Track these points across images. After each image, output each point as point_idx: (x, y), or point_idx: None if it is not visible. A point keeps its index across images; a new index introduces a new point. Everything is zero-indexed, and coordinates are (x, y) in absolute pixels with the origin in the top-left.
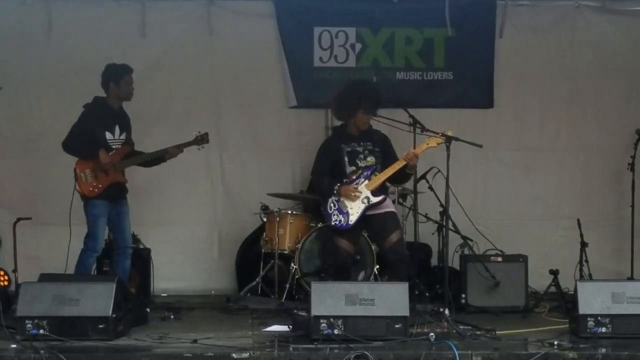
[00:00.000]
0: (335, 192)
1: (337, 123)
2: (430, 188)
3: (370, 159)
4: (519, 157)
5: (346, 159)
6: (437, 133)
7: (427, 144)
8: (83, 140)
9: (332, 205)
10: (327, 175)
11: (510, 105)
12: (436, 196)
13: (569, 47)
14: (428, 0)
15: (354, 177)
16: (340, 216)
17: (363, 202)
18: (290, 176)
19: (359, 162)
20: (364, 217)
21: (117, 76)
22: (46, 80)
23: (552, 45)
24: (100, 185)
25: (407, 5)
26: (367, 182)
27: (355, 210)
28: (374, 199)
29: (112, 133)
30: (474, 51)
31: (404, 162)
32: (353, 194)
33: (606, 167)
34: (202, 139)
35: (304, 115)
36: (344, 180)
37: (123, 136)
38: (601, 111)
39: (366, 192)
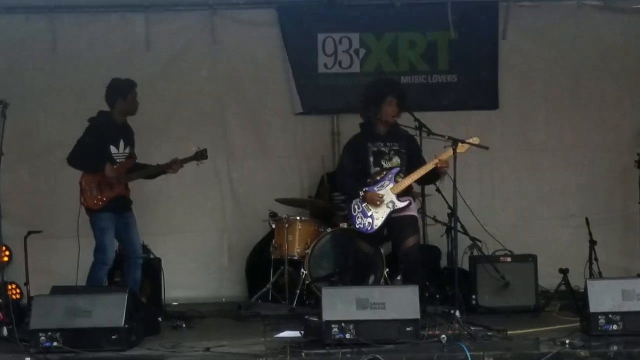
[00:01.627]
0: (361, 197)
1: (347, 128)
2: (438, 191)
3: (396, 161)
4: (526, 158)
5: (371, 159)
6: (443, 136)
7: (460, 149)
8: (88, 155)
9: (356, 207)
10: (352, 174)
11: (515, 106)
12: (444, 199)
13: (572, 46)
14: (431, 3)
15: (379, 178)
16: (365, 220)
17: (388, 207)
18: (298, 182)
19: (384, 163)
20: (387, 220)
21: (125, 91)
22: (52, 96)
23: (555, 45)
24: (104, 199)
25: (410, 9)
26: (392, 185)
27: (380, 215)
28: (400, 204)
29: (117, 147)
30: (477, 53)
31: (432, 167)
32: (379, 202)
33: (613, 164)
34: (201, 155)
35: (310, 121)
36: (368, 181)
37: (128, 150)
38: (606, 109)
39: (391, 196)
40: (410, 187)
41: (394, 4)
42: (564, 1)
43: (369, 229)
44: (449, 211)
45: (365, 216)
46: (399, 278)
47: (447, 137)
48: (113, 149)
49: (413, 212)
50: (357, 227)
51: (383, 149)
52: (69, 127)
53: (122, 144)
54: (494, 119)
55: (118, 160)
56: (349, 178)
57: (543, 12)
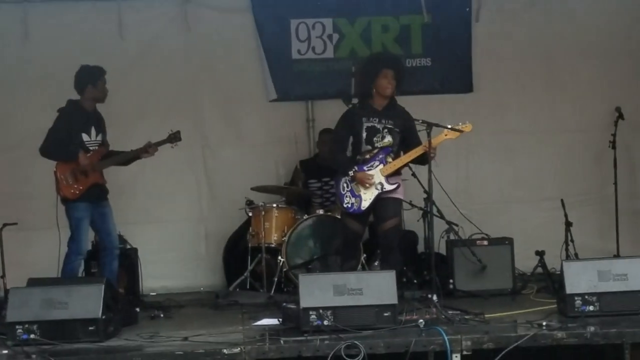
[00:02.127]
0: (350, 176)
1: (321, 115)
2: (414, 175)
3: (388, 140)
4: (500, 141)
5: (364, 135)
6: (418, 120)
7: (446, 135)
8: (60, 144)
9: (344, 185)
10: (344, 149)
11: (489, 89)
12: (419, 183)
13: (544, 28)
14: None
15: (368, 156)
16: (353, 199)
17: (377, 189)
18: (274, 169)
19: (375, 141)
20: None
21: (94, 78)
22: (24, 85)
23: (528, 27)
24: (81, 187)
25: None
26: (382, 166)
27: (368, 195)
28: (388, 187)
29: (89, 134)
30: (451, 36)
31: (421, 151)
32: (368, 183)
33: (587, 146)
34: (174, 137)
35: (284, 108)
36: (357, 158)
37: (99, 137)
38: (580, 90)
39: (380, 178)
40: (399, 169)
41: None
42: None
43: (356, 208)
44: (425, 195)
45: (354, 195)
46: (376, 264)
47: (420, 121)
48: (85, 137)
49: (399, 194)
50: (345, 205)
51: (377, 126)
52: (42, 117)
53: (93, 131)
54: (468, 102)
55: (91, 148)
56: (341, 153)
57: None
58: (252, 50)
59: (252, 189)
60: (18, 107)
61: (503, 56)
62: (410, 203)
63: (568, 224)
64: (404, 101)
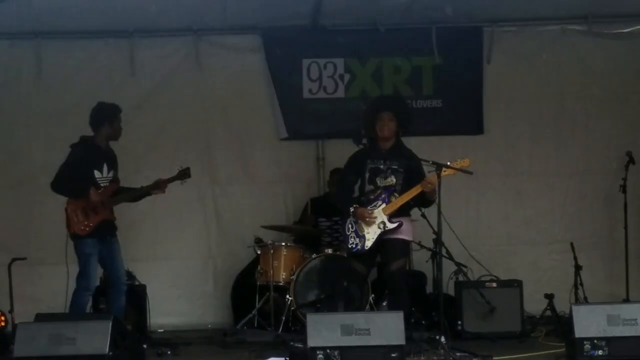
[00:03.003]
0: (352, 213)
1: (331, 153)
2: (423, 215)
3: (390, 180)
4: (510, 182)
5: (367, 175)
6: (428, 161)
7: (444, 172)
8: (72, 180)
9: (349, 227)
10: (350, 187)
11: (499, 130)
12: (429, 224)
13: (556, 71)
14: (415, 29)
15: (372, 197)
16: (357, 240)
17: (379, 227)
18: (283, 208)
19: (378, 181)
20: (379, 241)
21: (111, 116)
22: (36, 121)
23: (540, 69)
24: (91, 224)
25: (394, 34)
26: (384, 205)
27: (371, 235)
28: (390, 225)
29: (100, 171)
30: (462, 78)
31: (419, 189)
32: (368, 219)
33: (597, 189)
34: (184, 174)
35: (295, 147)
36: (362, 199)
37: (111, 174)
38: (590, 134)
39: (382, 217)
40: (407, 209)
41: (379, 29)
42: (548, 26)
43: (360, 248)
44: (434, 236)
45: (358, 236)
46: (384, 304)
47: (430, 162)
48: (97, 173)
49: (404, 235)
50: (349, 246)
51: (381, 167)
52: (53, 152)
53: (105, 167)
54: (478, 143)
55: (102, 185)
56: (345, 190)
57: (527, 36)
58: (263, 88)
59: (261, 227)
60: (30, 142)
61: (514, 98)
62: (419, 244)
63: (578, 267)
64: (414, 142)
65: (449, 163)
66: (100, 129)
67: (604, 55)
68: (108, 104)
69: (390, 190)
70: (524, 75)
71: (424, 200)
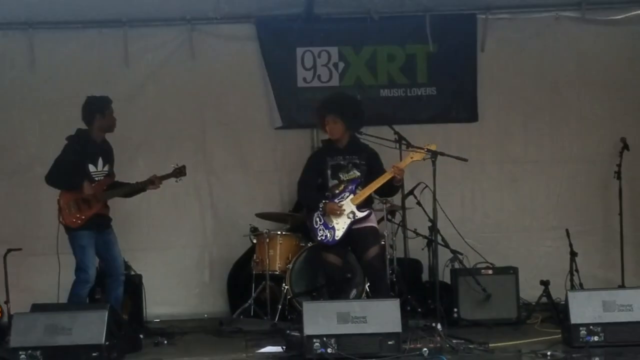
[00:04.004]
0: (320, 208)
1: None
2: (419, 203)
3: (353, 173)
4: (505, 170)
5: (329, 172)
6: (422, 148)
7: (412, 158)
8: (65, 173)
9: (317, 220)
10: (312, 188)
11: (494, 118)
12: (424, 211)
13: (550, 58)
14: (409, 16)
15: (338, 191)
16: (326, 231)
17: (349, 217)
18: (278, 197)
19: (341, 175)
20: (349, 231)
21: (102, 108)
22: (30, 112)
23: (534, 56)
24: (83, 217)
25: (388, 22)
26: (352, 196)
27: (341, 225)
28: (360, 214)
29: (95, 165)
30: (456, 66)
31: (390, 176)
32: (338, 212)
33: (592, 176)
34: (179, 172)
35: (289, 135)
36: (327, 194)
37: (106, 168)
38: (585, 121)
39: (351, 207)
40: (371, 202)
41: (372, 17)
42: (541, 13)
43: (331, 239)
44: (430, 224)
45: (327, 228)
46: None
47: (425, 149)
48: (91, 167)
49: (373, 222)
50: (319, 239)
51: (342, 162)
52: (47, 142)
53: (100, 161)
54: (473, 131)
55: (96, 179)
56: (309, 191)
57: (521, 23)
58: (257, 77)
59: (256, 215)
60: (25, 133)
61: (508, 86)
62: (415, 231)
63: (573, 254)
64: (409, 130)
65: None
66: (93, 122)
67: (597, 42)
68: (97, 97)
69: (355, 182)
70: (518, 63)
71: (390, 188)
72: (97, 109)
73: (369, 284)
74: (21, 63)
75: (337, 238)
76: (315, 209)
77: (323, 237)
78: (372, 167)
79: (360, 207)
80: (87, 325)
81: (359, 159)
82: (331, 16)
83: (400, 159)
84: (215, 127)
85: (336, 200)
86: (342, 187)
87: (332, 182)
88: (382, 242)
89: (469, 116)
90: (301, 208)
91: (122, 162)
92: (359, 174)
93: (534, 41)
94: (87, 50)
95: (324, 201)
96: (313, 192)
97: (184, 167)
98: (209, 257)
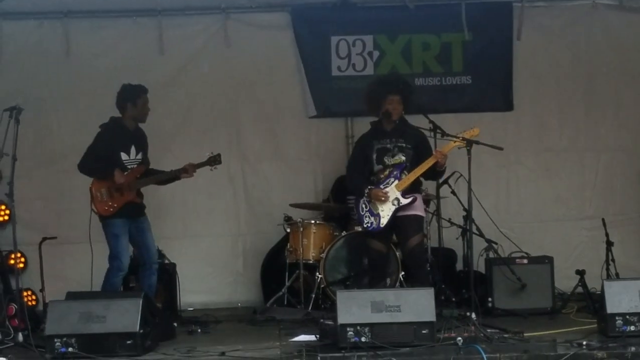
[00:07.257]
0: (366, 194)
1: (360, 131)
2: (453, 193)
3: (399, 157)
4: (540, 159)
5: (374, 156)
6: (457, 137)
7: (455, 142)
8: (97, 161)
9: (363, 206)
10: (359, 172)
11: (529, 107)
12: (459, 200)
13: (586, 46)
14: (444, 5)
15: (383, 176)
16: (372, 218)
17: (393, 204)
18: (312, 186)
19: (386, 160)
20: (394, 218)
21: (134, 96)
22: (66, 101)
23: (570, 45)
24: (115, 205)
25: (424, 10)
26: (397, 182)
27: (386, 212)
28: (404, 201)
29: (128, 153)
30: (491, 54)
31: (433, 161)
32: (383, 198)
33: (628, 165)
34: (214, 160)
35: (323, 124)
36: (372, 179)
37: (139, 156)
38: (621, 110)
39: (396, 193)
40: (419, 185)
41: (408, 6)
42: (578, 1)
43: (376, 226)
44: (464, 213)
45: (372, 214)
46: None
47: (461, 138)
48: (124, 155)
49: (418, 210)
50: (365, 225)
51: (388, 146)
52: (82, 132)
53: (133, 149)
54: (508, 120)
55: (129, 167)
56: (355, 175)
57: (557, 12)
58: (292, 66)
59: (290, 205)
60: (60, 121)
61: (544, 75)
62: (449, 221)
63: (609, 244)
64: (444, 119)
65: (463, 135)
66: (125, 110)
67: (635, 31)
68: (132, 85)
69: (400, 167)
70: (554, 51)
71: (434, 173)
72: (129, 98)
73: (403, 272)
74: (56, 52)
75: (381, 225)
76: (361, 195)
77: (369, 225)
78: (419, 150)
79: (405, 192)
80: (122, 313)
81: (406, 142)
82: (366, 4)
83: (435, 148)
84: (249, 115)
85: (381, 186)
86: (387, 172)
87: (377, 167)
88: (425, 231)
89: (504, 105)
90: (343, 197)
91: (156, 150)
92: (404, 158)
93: (571, 29)
94: (122, 39)
95: (369, 187)
96: (360, 178)
97: (219, 155)
98: (243, 246)
